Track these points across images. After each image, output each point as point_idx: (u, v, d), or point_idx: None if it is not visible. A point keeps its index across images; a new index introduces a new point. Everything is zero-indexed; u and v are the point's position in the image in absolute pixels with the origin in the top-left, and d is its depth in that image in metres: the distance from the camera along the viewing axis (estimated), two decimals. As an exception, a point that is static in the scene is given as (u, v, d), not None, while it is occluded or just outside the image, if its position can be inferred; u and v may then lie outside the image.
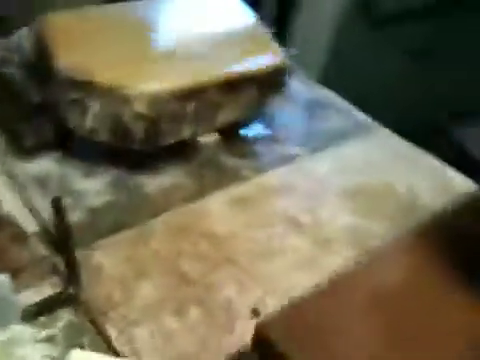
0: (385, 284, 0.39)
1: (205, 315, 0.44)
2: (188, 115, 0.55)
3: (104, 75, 0.52)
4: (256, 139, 0.64)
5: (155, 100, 0.52)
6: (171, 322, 0.44)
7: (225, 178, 0.58)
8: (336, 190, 0.58)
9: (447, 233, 0.43)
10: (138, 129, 0.53)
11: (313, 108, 0.70)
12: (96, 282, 0.46)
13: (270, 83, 0.59)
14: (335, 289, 0.39)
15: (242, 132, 0.63)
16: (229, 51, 0.60)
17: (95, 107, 0.52)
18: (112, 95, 0.52)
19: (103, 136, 0.54)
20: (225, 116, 0.58)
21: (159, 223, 0.52)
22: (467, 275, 0.40)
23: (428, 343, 0.36)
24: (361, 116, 0.69)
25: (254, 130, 0.65)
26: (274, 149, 0.63)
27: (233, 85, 0.56)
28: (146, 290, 0.46)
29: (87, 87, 0.52)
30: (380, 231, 0.53)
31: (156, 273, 0.47)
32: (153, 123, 0.53)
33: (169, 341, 0.42)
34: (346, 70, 1.19)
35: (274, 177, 0.59)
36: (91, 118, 0.53)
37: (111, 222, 0.52)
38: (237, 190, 0.56)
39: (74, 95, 0.52)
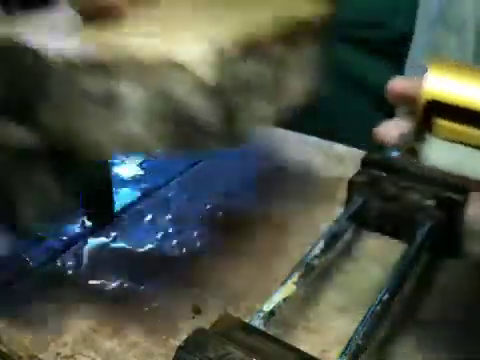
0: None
1: (145, 329, 0.41)
2: (263, 81, 0.37)
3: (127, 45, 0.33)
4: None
5: (222, 59, 0.33)
6: (110, 345, 0.40)
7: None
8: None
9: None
10: (211, 114, 0.33)
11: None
12: (16, 329, 0.41)
13: (322, 37, 0.44)
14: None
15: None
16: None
17: (133, 98, 0.32)
18: (159, 70, 0.32)
19: (160, 143, 0.33)
20: (295, 83, 0.40)
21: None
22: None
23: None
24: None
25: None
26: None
27: (296, 35, 0.40)
28: (75, 322, 0.42)
29: (109, 69, 0.32)
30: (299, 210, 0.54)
31: (81, 303, 0.43)
32: (227, 97, 0.34)
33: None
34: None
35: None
36: (133, 118, 0.32)
37: (15, 270, 0.47)
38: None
39: (94, 87, 0.32)
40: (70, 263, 0.47)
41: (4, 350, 0.40)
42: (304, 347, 0.35)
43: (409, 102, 0.35)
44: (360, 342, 0.35)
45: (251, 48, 0.36)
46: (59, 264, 0.47)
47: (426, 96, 0.32)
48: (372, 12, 0.69)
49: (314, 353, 0.34)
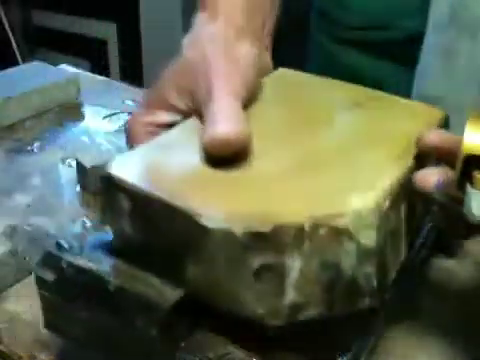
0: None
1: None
2: (403, 226, 0.35)
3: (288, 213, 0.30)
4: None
5: (381, 216, 0.32)
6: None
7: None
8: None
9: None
10: (368, 276, 0.31)
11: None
12: (16, 331, 0.41)
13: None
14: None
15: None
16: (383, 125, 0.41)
17: (296, 268, 0.30)
18: (319, 237, 0.30)
19: (313, 309, 0.31)
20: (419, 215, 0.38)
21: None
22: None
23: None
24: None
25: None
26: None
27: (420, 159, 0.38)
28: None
29: (274, 241, 0.30)
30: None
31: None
32: (384, 254, 0.33)
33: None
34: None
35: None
36: (293, 289, 0.31)
37: (14, 270, 0.47)
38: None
39: (256, 262, 0.30)
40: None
41: (4, 350, 0.40)
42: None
43: (445, 155, 0.35)
44: (360, 342, 0.35)
45: (401, 193, 0.34)
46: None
47: (465, 151, 0.32)
48: (375, 14, 0.67)
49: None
